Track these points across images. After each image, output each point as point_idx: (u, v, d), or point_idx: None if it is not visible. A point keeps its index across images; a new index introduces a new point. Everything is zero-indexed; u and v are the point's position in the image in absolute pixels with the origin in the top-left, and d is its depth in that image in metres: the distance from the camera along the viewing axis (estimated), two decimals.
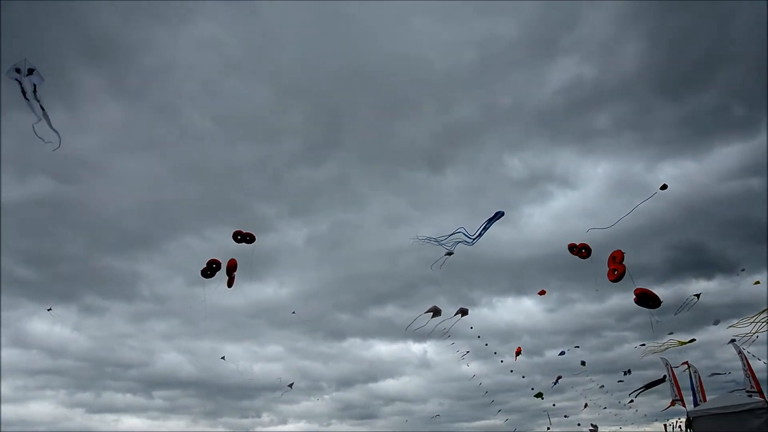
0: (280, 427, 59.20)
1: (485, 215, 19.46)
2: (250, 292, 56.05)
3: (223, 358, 34.46)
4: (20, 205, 54.27)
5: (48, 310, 33.11)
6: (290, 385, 36.56)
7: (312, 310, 61.72)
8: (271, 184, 63.62)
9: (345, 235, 65.17)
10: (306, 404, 59.44)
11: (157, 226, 61.34)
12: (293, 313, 33.23)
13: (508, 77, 56.21)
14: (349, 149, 63.61)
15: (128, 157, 58.86)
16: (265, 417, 58.64)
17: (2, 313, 55.51)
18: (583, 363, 35.64)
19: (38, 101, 14.39)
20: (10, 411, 55.57)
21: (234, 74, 57.70)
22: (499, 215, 19.05)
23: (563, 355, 37.95)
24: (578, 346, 35.91)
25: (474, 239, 19.63)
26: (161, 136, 58.12)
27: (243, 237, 22.82)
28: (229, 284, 22.26)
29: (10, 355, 57.79)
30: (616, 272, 17.18)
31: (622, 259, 17.10)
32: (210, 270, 22.19)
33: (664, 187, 17.51)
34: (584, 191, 60.07)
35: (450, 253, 20.90)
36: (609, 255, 17.89)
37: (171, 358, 61.81)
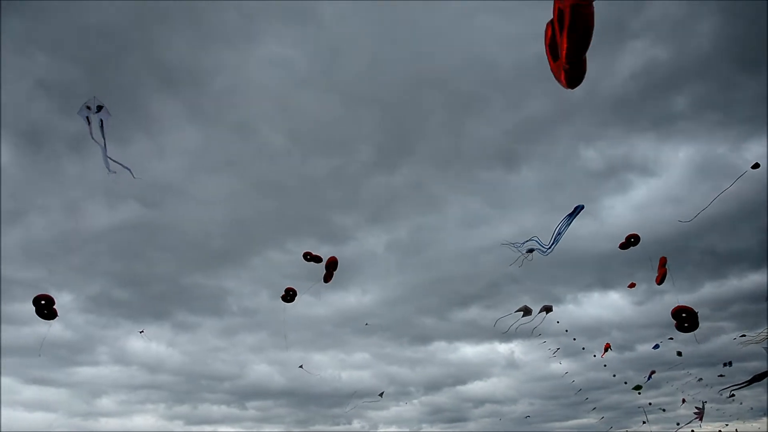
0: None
1: (564, 210, 19.08)
2: (334, 301, 60.25)
3: (300, 366, 34.71)
4: (111, 231, 57.52)
5: (140, 332, 34.35)
6: (381, 395, 36.69)
7: (396, 316, 62.06)
8: (347, 193, 64.27)
9: (424, 239, 65.57)
10: (395, 409, 60.52)
11: (241, 243, 62.98)
12: (366, 324, 35.39)
13: None
14: (423, 153, 63.73)
15: (208, 178, 61.12)
16: (356, 423, 59.01)
17: (103, 332, 60.27)
18: (679, 353, 34.13)
19: (103, 136, 15.18)
20: (116, 424, 59.39)
21: (304, 89, 58.34)
22: (578, 210, 18.63)
23: (657, 349, 36.50)
24: (672, 338, 34.44)
25: (549, 249, 19.35)
26: (238, 155, 60.07)
27: (312, 258, 24.64)
28: (326, 279, 24.21)
29: (112, 372, 60.93)
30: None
31: (664, 263, 18.73)
32: (289, 296, 24.70)
33: (756, 166, 16.77)
34: (666, 178, 57.46)
35: (531, 251, 20.63)
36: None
37: (262, 370, 63.26)
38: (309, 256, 25.04)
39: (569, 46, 8.27)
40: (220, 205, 61.51)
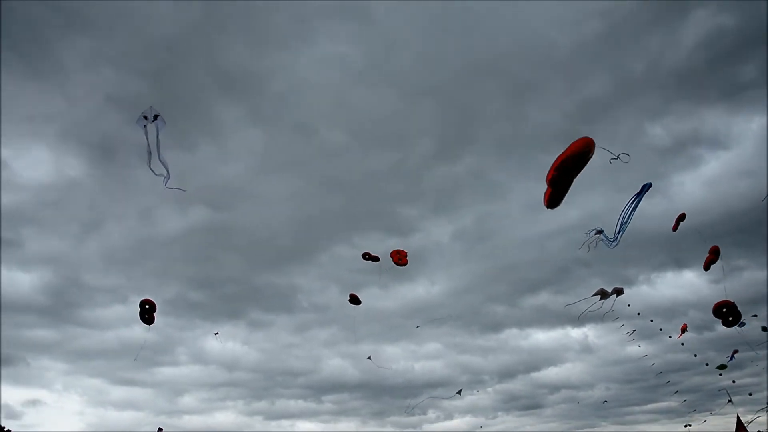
0: (446, 423, 59.39)
1: (631, 190, 18.66)
2: (403, 293, 59.44)
3: (369, 358, 34.68)
4: (183, 236, 60.10)
5: (215, 334, 35.45)
6: (459, 392, 36.98)
7: (465, 305, 61.02)
8: (410, 186, 64.16)
9: (490, 227, 64.75)
10: (470, 398, 59.49)
11: (308, 240, 63.94)
12: (417, 327, 33.94)
13: (638, 42, 52.67)
14: (484, 141, 63.08)
15: (272, 179, 62.70)
16: (431, 414, 59.02)
17: (182, 333, 61.75)
18: (764, 329, 32.68)
19: (158, 145, 15.58)
20: (198, 421, 60.15)
21: (360, 85, 59.19)
22: (646, 188, 18.16)
23: (743, 327, 34.94)
24: (756, 315, 32.79)
25: (614, 242, 18.99)
26: (300, 155, 61.50)
27: (370, 258, 26.10)
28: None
29: (192, 371, 62.35)
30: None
31: (715, 251, 19.77)
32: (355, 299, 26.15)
33: None
34: (738, 150, 54.41)
35: (600, 231, 20.26)
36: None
37: (335, 364, 63.81)
38: (367, 256, 26.70)
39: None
40: (285, 204, 62.19)
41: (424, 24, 53.83)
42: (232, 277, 61.25)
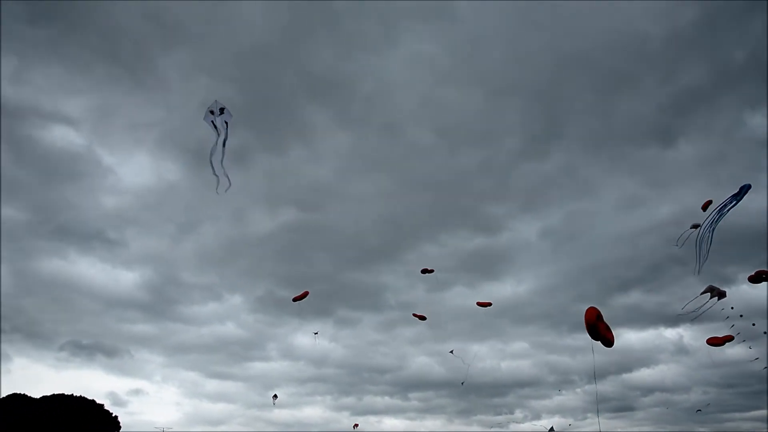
0: (534, 423, 59.13)
1: (728, 185, 17.84)
2: (490, 292, 64.16)
3: (451, 352, 34.00)
4: (273, 235, 63.56)
5: (314, 333, 36.26)
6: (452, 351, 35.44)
7: (553, 304, 62.38)
8: (498, 183, 64.76)
9: (580, 224, 65.61)
10: (558, 398, 61.51)
11: (395, 239, 65.68)
12: (451, 351, 32.46)
13: (738, 28, 52.46)
14: (572, 137, 63.71)
15: (360, 179, 65.27)
16: (518, 413, 60.75)
17: (272, 330, 66.01)
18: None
19: (225, 140, 15.35)
20: (288, 415, 63.75)
21: (446, 85, 61.07)
22: (745, 190, 17.18)
23: None
24: None
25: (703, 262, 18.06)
26: (388, 155, 64.11)
27: (428, 271, 26.60)
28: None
29: (282, 366, 65.83)
30: None
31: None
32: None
33: None
34: None
35: (696, 226, 19.47)
36: None
37: (421, 362, 65.53)
38: (426, 271, 27.78)
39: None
40: (373, 203, 64.01)
41: (510, 21, 55.30)
42: (321, 274, 62.97)
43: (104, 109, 64.51)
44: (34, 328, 61.45)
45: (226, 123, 16.16)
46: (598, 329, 16.00)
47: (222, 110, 16.05)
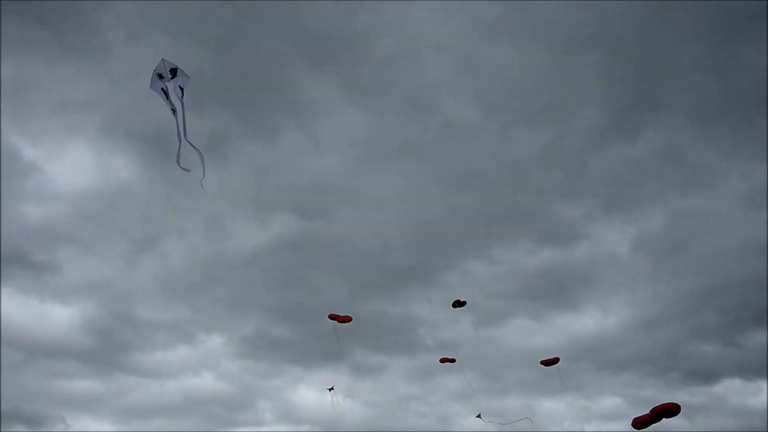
0: None
1: None
2: (564, 326, 56.01)
3: (478, 416, 30.94)
4: (263, 252, 59.79)
5: (329, 389, 33.46)
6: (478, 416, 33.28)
7: (656, 343, 56.05)
8: (570, 175, 61.14)
9: (689, 229, 57.31)
10: None
11: (429, 254, 59.36)
12: (478, 416, 30.22)
13: None
14: (675, 106, 56.05)
15: (379, 173, 59.91)
16: None
17: (264, 382, 57.75)
18: None
19: (183, 114, 14.49)
20: None
21: (494, 40, 56.29)
22: None
23: None
24: None
25: None
26: (416, 139, 59.52)
27: (460, 304, 27.80)
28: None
29: None
30: None
31: None
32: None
33: None
34: None
35: None
36: None
37: (472, 424, 51.90)
38: (457, 304, 28.09)
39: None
40: (398, 206, 59.47)
41: None
42: (330, 304, 51.41)
43: (21, 83, 54.88)
44: None
45: (181, 89, 14.79)
46: None
47: (174, 71, 14.71)
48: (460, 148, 57.24)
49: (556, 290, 56.98)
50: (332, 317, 26.10)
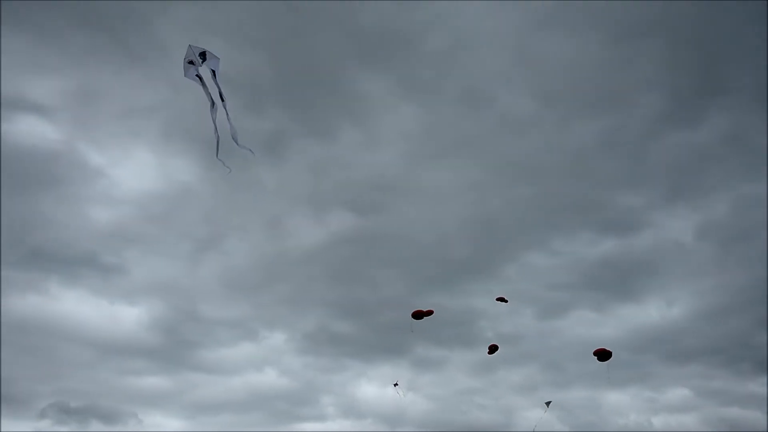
0: None
1: None
2: (626, 317, 55.34)
3: (548, 403, 31.51)
4: (322, 249, 57.87)
5: (394, 385, 34.49)
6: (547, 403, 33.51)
7: (725, 333, 54.61)
8: (630, 163, 59.45)
9: (756, 216, 54.40)
10: None
11: (489, 246, 61.51)
12: (548, 403, 30.58)
13: None
14: (741, 91, 57.02)
15: (435, 167, 61.94)
16: None
17: (327, 377, 57.29)
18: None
19: (222, 98, 13.93)
20: None
21: (549, 30, 55.84)
22: None
23: None
24: None
25: None
26: (473, 132, 58.73)
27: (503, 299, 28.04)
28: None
29: (342, 427, 56.73)
30: None
31: None
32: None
33: None
34: None
35: None
36: None
37: (535, 416, 51.50)
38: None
39: None
40: (455, 200, 58.91)
41: None
42: (390, 299, 55.99)
43: (87, 91, 55.92)
44: (3, 390, 48.55)
45: (214, 72, 13.99)
46: None
47: (203, 55, 13.84)
48: (517, 140, 56.68)
49: (618, 281, 56.20)
50: (417, 313, 25.85)
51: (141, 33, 53.24)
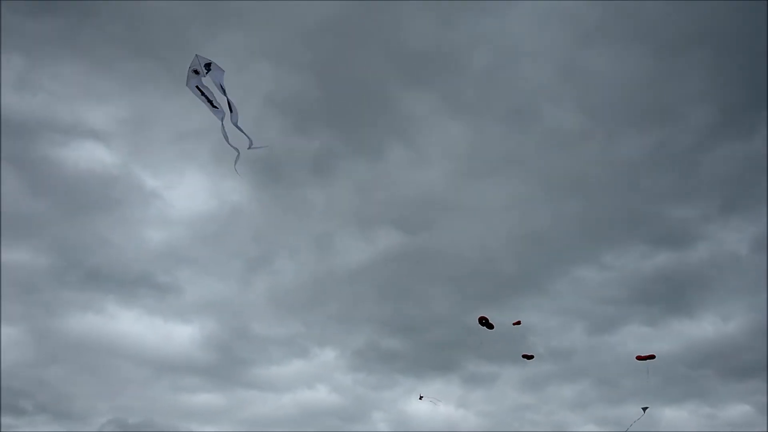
0: None
1: None
2: (681, 332, 54.11)
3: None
4: (371, 266, 57.16)
5: (420, 398, 34.57)
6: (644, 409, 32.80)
7: None
8: (682, 176, 57.90)
9: None
10: None
11: (537, 262, 60.04)
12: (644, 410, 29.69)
13: None
14: None
15: (482, 183, 59.80)
16: None
17: (377, 393, 57.19)
18: None
19: (228, 100, 14.14)
20: None
21: (595, 45, 54.52)
22: None
23: None
24: None
25: None
26: (519, 148, 58.18)
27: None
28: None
29: None
30: None
31: None
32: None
33: None
34: None
35: None
36: None
37: None
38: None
39: None
40: (503, 216, 57.92)
41: None
42: (439, 316, 55.94)
43: (140, 116, 57.81)
44: (63, 406, 51.97)
45: (222, 87, 14.16)
46: None
47: (208, 66, 13.94)
48: (564, 155, 55.94)
49: (672, 295, 55.13)
50: (482, 319, 26.27)
51: (190, 59, 54.04)
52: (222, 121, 14.65)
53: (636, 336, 51.94)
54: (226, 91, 13.67)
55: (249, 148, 14.97)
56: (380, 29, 52.53)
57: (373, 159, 59.26)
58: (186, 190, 61.23)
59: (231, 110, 14.44)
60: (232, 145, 14.80)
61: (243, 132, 14.84)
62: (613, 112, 54.99)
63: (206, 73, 14.05)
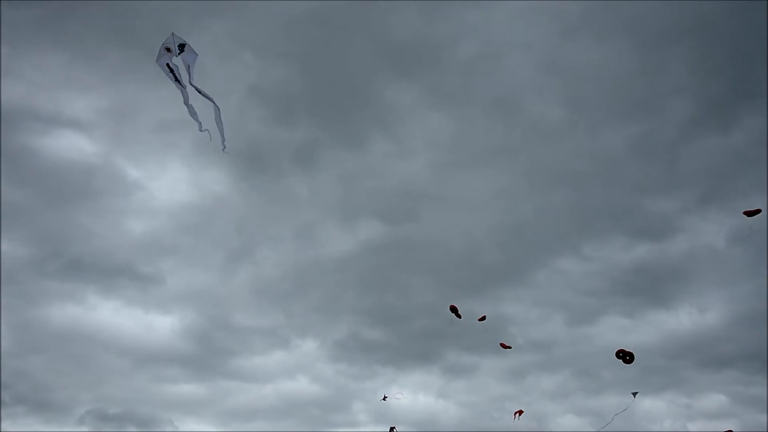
0: None
1: None
2: (659, 323, 53.28)
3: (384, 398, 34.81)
4: (353, 257, 56.67)
5: (382, 399, 34.64)
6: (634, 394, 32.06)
7: (759, 340, 47.44)
8: (662, 169, 56.05)
9: None
10: None
11: (519, 252, 57.71)
12: (634, 395, 28.05)
13: None
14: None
15: (465, 175, 58.73)
16: None
17: (358, 384, 55.68)
18: None
19: (194, 86, 14.07)
20: None
21: (578, 38, 52.84)
22: None
23: None
24: None
25: None
26: (503, 140, 56.99)
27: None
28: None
29: None
30: None
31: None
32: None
33: None
34: None
35: None
36: None
37: (567, 423, 51.63)
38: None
39: None
40: (486, 207, 57.23)
41: None
42: (420, 306, 53.80)
43: (123, 106, 56.82)
44: (43, 397, 50.13)
45: (188, 70, 14.15)
46: None
47: (182, 47, 13.80)
48: (547, 147, 54.02)
49: (651, 286, 53.42)
50: (453, 308, 25.71)
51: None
52: (187, 104, 14.77)
53: (615, 327, 50.80)
54: (209, 80, 13.65)
55: (223, 150, 15.12)
56: (364, 20, 51.91)
57: (357, 150, 58.38)
58: (168, 181, 60.24)
59: (215, 106, 14.62)
60: (197, 121, 14.81)
61: (220, 132, 14.94)
62: (595, 105, 54.11)
63: (178, 53, 14.02)
